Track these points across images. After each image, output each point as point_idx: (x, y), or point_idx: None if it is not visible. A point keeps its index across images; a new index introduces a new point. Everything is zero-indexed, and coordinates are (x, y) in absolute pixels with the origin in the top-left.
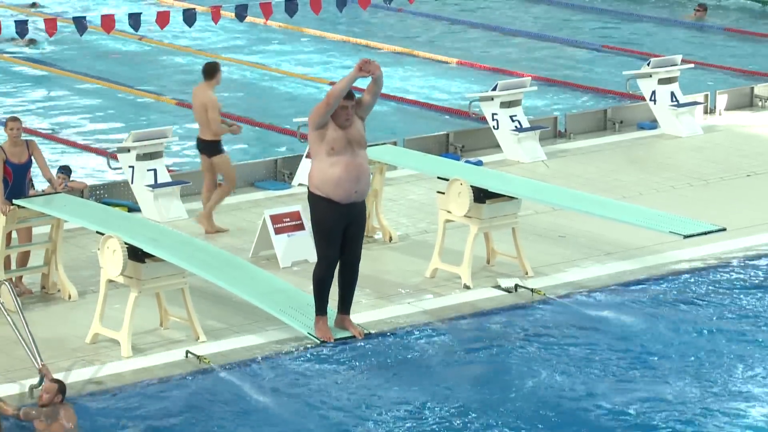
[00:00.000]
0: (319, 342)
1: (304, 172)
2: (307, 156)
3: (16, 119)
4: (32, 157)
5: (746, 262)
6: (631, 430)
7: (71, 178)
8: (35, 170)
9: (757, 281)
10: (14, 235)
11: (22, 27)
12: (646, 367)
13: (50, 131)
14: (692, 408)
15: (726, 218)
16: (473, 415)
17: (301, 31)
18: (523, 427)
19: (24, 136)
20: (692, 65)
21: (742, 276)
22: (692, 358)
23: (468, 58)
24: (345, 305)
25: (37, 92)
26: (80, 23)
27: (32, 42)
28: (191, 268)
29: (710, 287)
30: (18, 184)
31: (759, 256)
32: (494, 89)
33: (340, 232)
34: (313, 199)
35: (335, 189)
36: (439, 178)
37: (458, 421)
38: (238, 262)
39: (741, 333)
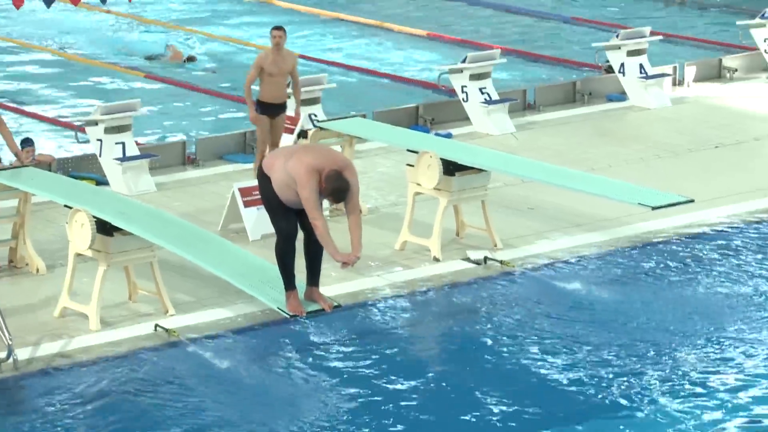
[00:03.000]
0: (290, 317)
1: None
2: (285, 131)
3: None
4: None
5: (714, 233)
6: (601, 401)
7: (37, 151)
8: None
9: (725, 252)
10: None
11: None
12: (615, 338)
13: (17, 104)
14: (663, 379)
15: (694, 189)
16: (443, 386)
17: (271, 3)
18: (491, 399)
19: None
20: (660, 37)
21: (710, 247)
22: (663, 330)
23: (438, 31)
24: (313, 277)
25: (2, 64)
26: None
27: (191, 59)
28: (160, 241)
29: (679, 258)
30: None
31: (727, 227)
32: (464, 61)
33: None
34: (263, 179)
35: (288, 199)
36: (408, 150)
37: (427, 393)
38: (207, 235)
39: (712, 303)
